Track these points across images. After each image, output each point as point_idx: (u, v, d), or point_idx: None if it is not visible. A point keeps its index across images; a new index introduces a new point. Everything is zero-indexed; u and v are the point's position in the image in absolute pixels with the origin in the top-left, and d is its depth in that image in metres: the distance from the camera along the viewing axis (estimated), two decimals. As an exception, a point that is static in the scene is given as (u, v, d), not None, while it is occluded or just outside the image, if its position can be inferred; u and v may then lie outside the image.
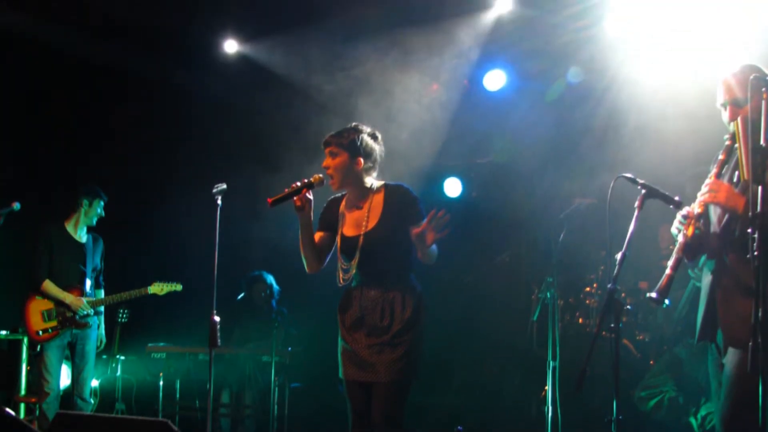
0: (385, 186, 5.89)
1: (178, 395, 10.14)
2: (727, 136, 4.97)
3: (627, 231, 4.93)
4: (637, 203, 4.99)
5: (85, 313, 9.12)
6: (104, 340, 9.62)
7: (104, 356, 10.51)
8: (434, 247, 5.58)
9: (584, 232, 9.66)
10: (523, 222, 11.20)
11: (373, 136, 5.93)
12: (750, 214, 4.24)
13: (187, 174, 11.33)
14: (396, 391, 5.64)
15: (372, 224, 5.77)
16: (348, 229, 5.88)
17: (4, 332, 10.36)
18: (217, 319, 6.47)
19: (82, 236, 9.38)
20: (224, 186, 6.62)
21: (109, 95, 11.60)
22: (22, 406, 10.20)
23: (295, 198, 5.64)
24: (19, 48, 10.78)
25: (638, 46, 9.38)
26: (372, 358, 5.65)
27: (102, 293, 9.56)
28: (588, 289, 10.36)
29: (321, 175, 5.75)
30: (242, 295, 11.03)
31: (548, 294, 9.13)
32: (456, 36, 10.37)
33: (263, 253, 11.25)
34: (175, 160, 11.71)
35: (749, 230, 4.23)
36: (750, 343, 4.12)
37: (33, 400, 9.50)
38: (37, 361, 9.10)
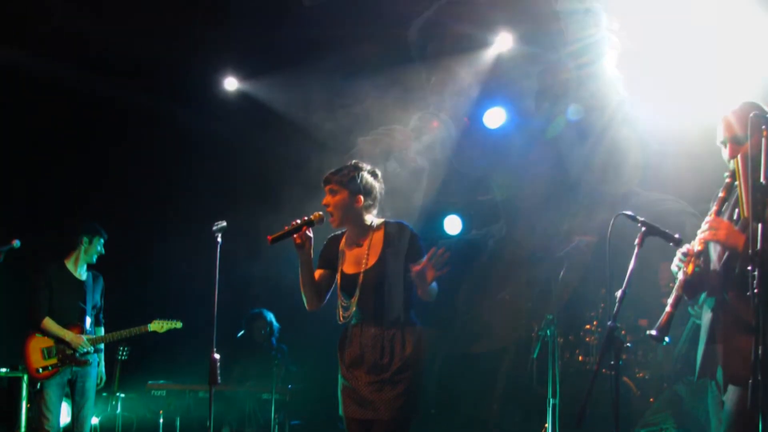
0: (385, 223, 5.88)
1: (178, 433, 10.12)
2: (727, 174, 4.97)
3: (627, 268, 4.92)
4: (637, 241, 4.98)
5: (85, 350, 9.09)
6: (104, 378, 9.58)
7: (104, 394, 10.47)
8: (434, 284, 5.56)
9: (584, 269, 9.67)
10: (523, 259, 11.19)
11: (373, 174, 5.93)
12: (750, 251, 4.24)
13: (187, 211, 11.34)
14: (396, 429, 5.61)
15: (372, 262, 5.76)
16: (348, 267, 5.87)
17: (4, 370, 10.31)
18: (217, 356, 6.45)
19: (82, 274, 9.37)
20: (224, 223, 6.61)
21: (110, 132, 11.64)
22: (22, 444, 10.18)
23: (295, 235, 5.64)
24: (19, 85, 10.80)
25: (638, 83, 9.41)
26: (372, 396, 5.62)
27: (102, 331, 9.53)
28: (588, 326, 10.35)
29: (321, 213, 5.75)
30: (242, 332, 11.02)
31: (548, 331, 9.12)
32: (456, 74, 10.41)
33: (263, 290, 11.25)
34: (176, 197, 11.72)
35: (749, 268, 4.23)
36: (750, 381, 4.12)
37: (33, 438, 9.47)
38: (37, 398, 9.05)
